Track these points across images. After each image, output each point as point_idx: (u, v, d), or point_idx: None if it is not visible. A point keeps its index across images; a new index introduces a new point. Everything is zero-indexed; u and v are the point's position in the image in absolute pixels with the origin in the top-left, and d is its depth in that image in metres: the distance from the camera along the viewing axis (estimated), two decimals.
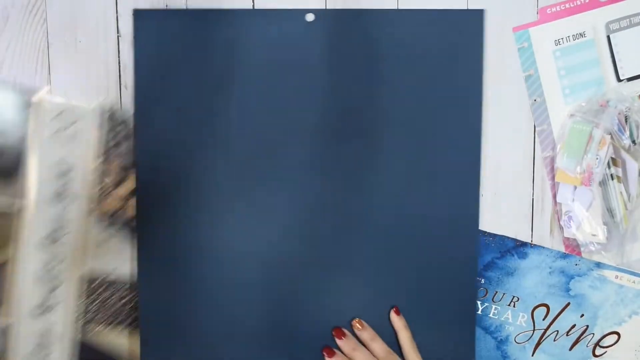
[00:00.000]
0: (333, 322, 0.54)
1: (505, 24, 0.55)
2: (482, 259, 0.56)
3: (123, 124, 0.48)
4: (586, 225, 0.54)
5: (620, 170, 0.53)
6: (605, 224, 0.54)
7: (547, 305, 0.56)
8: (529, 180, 0.56)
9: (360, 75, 0.53)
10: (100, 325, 0.50)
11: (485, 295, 0.56)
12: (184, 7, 0.54)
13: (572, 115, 0.54)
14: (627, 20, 0.55)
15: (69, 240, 0.48)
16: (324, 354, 0.53)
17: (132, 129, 0.50)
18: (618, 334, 0.56)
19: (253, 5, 0.54)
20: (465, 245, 0.55)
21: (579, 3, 0.55)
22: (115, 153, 0.48)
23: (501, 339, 0.57)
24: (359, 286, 0.55)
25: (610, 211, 0.54)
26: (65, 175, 0.47)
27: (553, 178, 0.55)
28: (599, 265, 0.56)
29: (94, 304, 0.49)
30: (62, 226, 0.47)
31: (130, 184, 0.50)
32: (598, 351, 0.57)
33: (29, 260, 0.48)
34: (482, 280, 0.56)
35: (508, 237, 0.56)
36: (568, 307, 0.56)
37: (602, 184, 0.53)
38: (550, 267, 0.56)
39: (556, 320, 0.56)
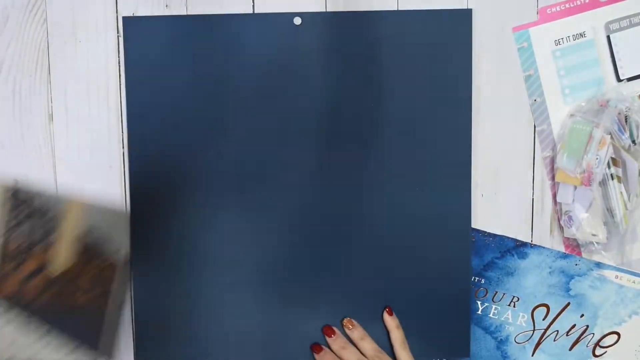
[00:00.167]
0: (326, 322, 0.54)
1: (505, 24, 0.55)
2: (482, 259, 0.56)
3: (25, 203, 0.46)
4: (586, 225, 0.54)
5: (620, 170, 0.53)
6: (605, 224, 0.54)
7: (547, 305, 0.56)
8: (529, 180, 0.56)
9: (351, 77, 0.53)
10: None
11: (485, 295, 0.56)
12: (184, 11, 0.54)
13: (572, 115, 0.54)
14: (627, 20, 0.55)
15: None
16: (312, 351, 0.53)
17: (35, 207, 0.47)
18: (618, 334, 0.56)
19: (253, 9, 0.54)
20: (458, 244, 0.55)
21: (579, 3, 0.55)
22: (16, 233, 0.45)
23: (501, 339, 0.57)
24: (352, 286, 0.55)
25: (610, 211, 0.54)
26: None
27: (553, 178, 0.55)
28: (599, 265, 0.56)
29: None
30: None
31: (31, 266, 0.46)
32: (598, 351, 0.57)
33: None
34: (482, 281, 0.56)
35: (508, 237, 0.56)
36: (568, 307, 0.56)
37: (602, 184, 0.53)
38: (550, 267, 0.56)
39: (556, 320, 0.56)
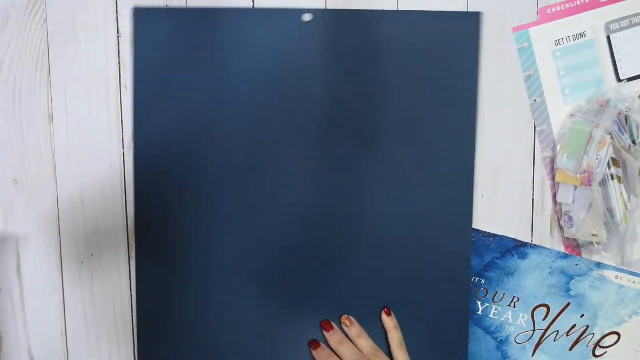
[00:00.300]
0: (324, 319, 0.54)
1: (505, 24, 0.55)
2: (482, 259, 0.56)
3: None
4: (586, 225, 0.54)
5: (620, 170, 0.53)
6: (605, 224, 0.54)
7: (547, 306, 0.56)
8: (529, 180, 0.56)
9: (357, 75, 0.53)
10: None
11: (486, 295, 0.56)
12: (184, 5, 0.54)
13: (572, 115, 0.54)
14: (627, 20, 0.55)
15: None
16: (310, 347, 0.53)
17: None
18: (618, 334, 0.56)
19: (253, 5, 0.54)
20: (458, 244, 0.55)
21: (579, 3, 0.55)
22: None
23: (501, 339, 0.57)
24: (351, 284, 0.55)
25: (610, 211, 0.54)
26: None
27: (553, 178, 0.55)
28: (599, 265, 0.56)
29: None
30: None
31: None
32: (598, 351, 0.57)
33: None
34: (482, 281, 0.56)
35: (508, 237, 0.56)
36: (568, 307, 0.56)
37: (602, 184, 0.53)
38: (550, 267, 0.56)
39: (556, 321, 0.56)
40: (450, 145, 0.54)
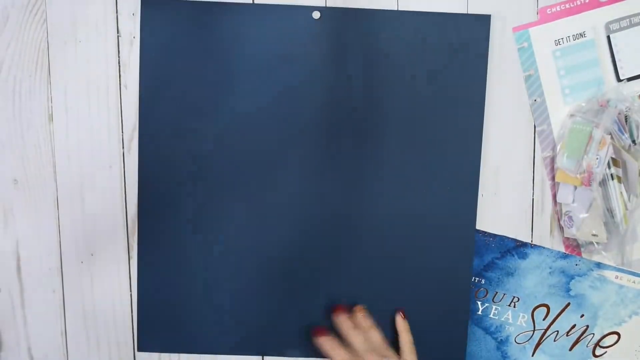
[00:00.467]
0: (326, 321, 0.54)
1: (506, 24, 0.55)
2: (482, 259, 0.56)
3: None
4: (586, 225, 0.54)
5: (620, 170, 0.53)
6: (605, 224, 0.54)
7: (547, 306, 0.56)
8: (529, 180, 0.56)
9: (363, 75, 0.53)
10: None
11: (486, 295, 0.56)
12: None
13: (572, 115, 0.54)
14: (627, 20, 0.55)
15: None
16: (314, 334, 0.52)
17: None
18: (618, 334, 0.56)
19: (253, 0, 0.54)
20: (461, 245, 0.55)
21: (579, 3, 0.55)
22: None
23: (501, 340, 0.57)
24: (354, 284, 0.55)
25: (610, 211, 0.54)
26: None
27: (553, 178, 0.55)
28: (599, 265, 0.56)
29: None
30: None
31: None
32: (598, 351, 0.57)
33: None
34: (483, 281, 0.56)
35: (508, 237, 0.56)
36: (568, 307, 0.56)
37: (602, 184, 0.53)
38: (550, 267, 0.56)
39: (556, 321, 0.56)
40: (457, 147, 0.54)
